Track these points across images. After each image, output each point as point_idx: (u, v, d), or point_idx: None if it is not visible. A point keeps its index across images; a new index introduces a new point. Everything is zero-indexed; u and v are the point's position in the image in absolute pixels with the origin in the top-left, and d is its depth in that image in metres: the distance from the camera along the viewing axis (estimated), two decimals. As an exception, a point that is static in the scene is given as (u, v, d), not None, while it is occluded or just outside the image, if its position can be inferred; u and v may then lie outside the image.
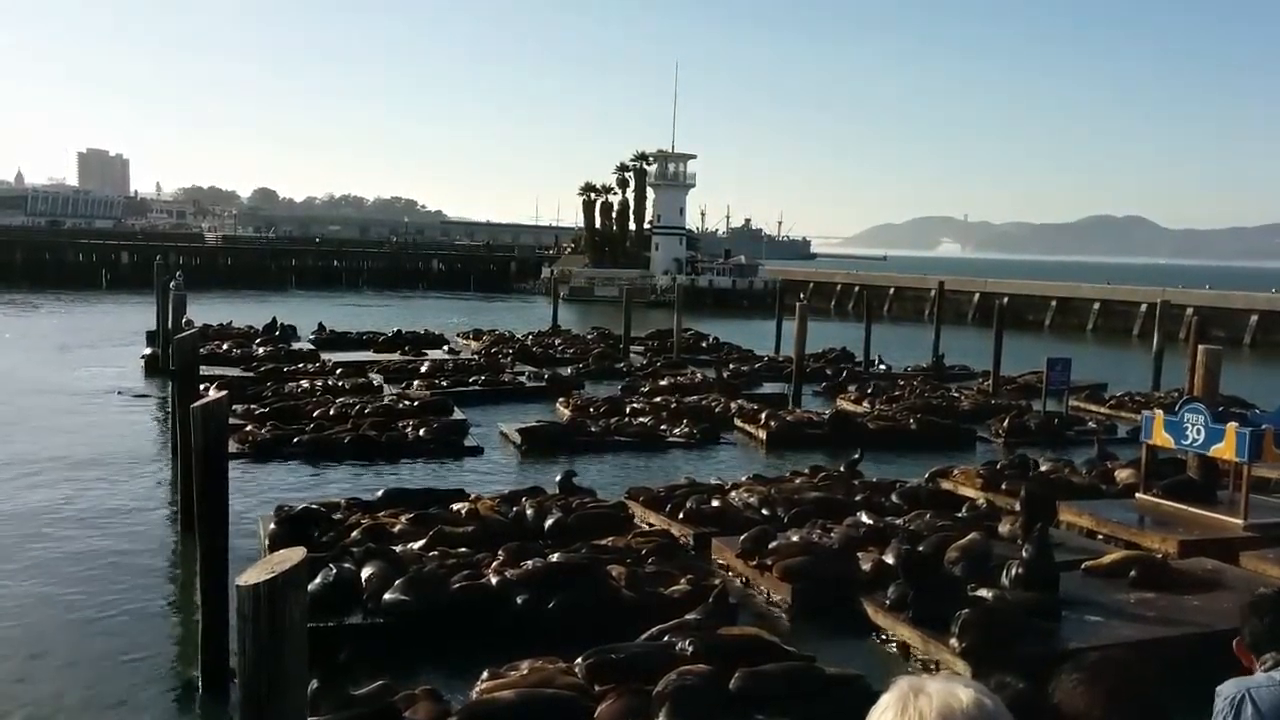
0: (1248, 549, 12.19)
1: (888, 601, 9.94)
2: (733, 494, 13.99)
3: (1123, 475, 15.82)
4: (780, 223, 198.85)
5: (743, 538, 11.73)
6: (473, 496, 13.44)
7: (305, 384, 23.44)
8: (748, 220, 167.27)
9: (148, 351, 28.19)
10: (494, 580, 9.97)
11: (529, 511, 12.61)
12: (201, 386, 16.55)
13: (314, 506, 12.49)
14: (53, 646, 9.42)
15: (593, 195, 76.01)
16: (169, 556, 12.19)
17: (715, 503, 13.45)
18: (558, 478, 14.51)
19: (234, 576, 5.90)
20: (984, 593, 9.92)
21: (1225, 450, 13.20)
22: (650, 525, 13.04)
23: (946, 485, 15.79)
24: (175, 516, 13.27)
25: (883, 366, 31.42)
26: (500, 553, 10.66)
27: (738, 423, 21.58)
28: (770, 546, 11.37)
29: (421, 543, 11.12)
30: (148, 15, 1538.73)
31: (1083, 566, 11.18)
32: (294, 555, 5.10)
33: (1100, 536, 13.22)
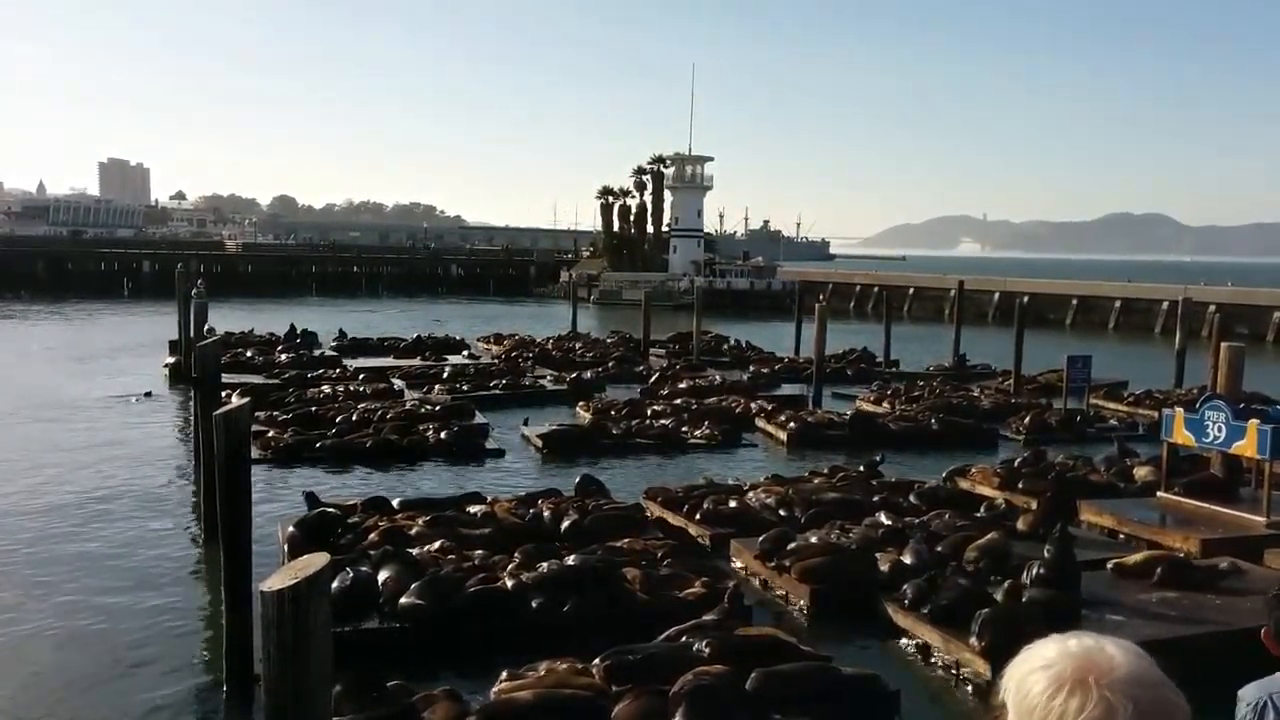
0: (1271, 547, 12.09)
1: (906, 600, 9.94)
2: (751, 495, 13.98)
3: (1142, 473, 15.73)
4: (799, 224, 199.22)
5: (761, 539, 11.74)
6: (489, 499, 13.50)
7: (327, 390, 23.60)
8: (766, 222, 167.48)
9: (170, 359, 28.51)
10: (510, 583, 10.02)
11: (545, 513, 12.67)
12: (224, 394, 16.70)
13: (330, 510, 12.54)
14: (77, 653, 9.51)
15: (610, 199, 76.19)
16: (193, 563, 12.30)
17: (733, 503, 13.46)
18: (577, 480, 14.58)
19: (257, 582, 5.97)
20: (1004, 592, 9.90)
21: (1247, 447, 13.07)
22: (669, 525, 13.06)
23: (964, 485, 15.75)
24: (199, 523, 13.39)
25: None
26: (516, 555, 10.73)
27: (759, 423, 21.60)
28: (789, 548, 11.39)
29: (439, 545, 11.18)
30: (166, 26, 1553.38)
31: (1109, 565, 11.13)
32: (317, 560, 5.13)
33: (1122, 536, 13.15)
